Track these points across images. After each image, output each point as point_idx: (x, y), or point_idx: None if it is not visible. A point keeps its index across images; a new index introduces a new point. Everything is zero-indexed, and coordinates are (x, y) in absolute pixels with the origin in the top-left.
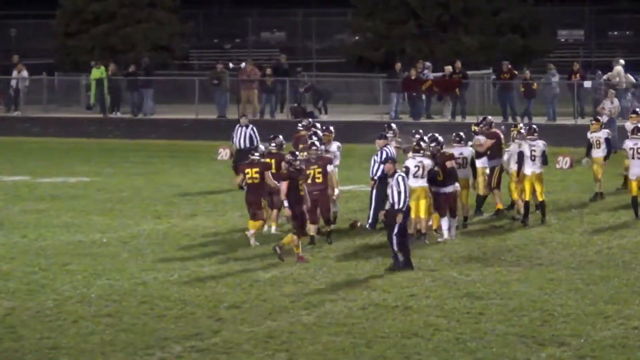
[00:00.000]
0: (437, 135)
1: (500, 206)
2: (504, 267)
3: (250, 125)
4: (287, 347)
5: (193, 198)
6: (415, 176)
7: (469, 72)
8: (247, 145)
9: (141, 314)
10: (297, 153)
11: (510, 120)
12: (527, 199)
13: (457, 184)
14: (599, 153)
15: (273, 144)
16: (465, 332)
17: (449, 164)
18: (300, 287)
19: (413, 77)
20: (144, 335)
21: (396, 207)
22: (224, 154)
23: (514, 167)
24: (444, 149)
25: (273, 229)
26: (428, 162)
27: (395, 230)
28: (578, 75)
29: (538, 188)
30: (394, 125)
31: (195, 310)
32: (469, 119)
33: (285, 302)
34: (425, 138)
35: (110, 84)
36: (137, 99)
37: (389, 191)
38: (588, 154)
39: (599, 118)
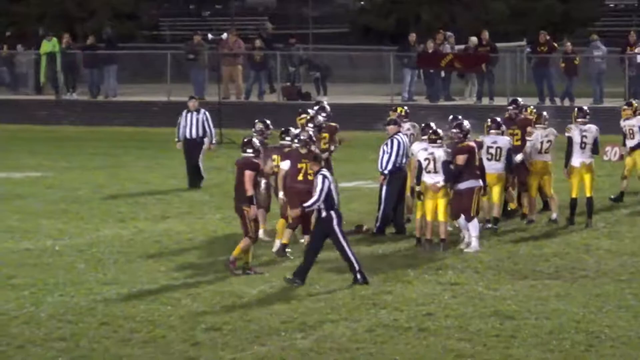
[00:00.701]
0: (462, 120)
1: (513, 205)
2: (540, 281)
3: (203, 110)
4: None
5: (164, 197)
6: (427, 171)
7: (498, 45)
8: (200, 134)
9: (101, 338)
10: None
11: (547, 103)
12: (574, 195)
13: (472, 182)
14: (632, 144)
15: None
16: (493, 359)
17: (460, 158)
18: (294, 305)
19: (430, 51)
20: None
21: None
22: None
23: (537, 157)
24: (467, 138)
25: (261, 233)
26: (440, 154)
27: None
28: (635, 47)
29: (587, 181)
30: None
31: (167, 332)
32: (498, 101)
33: (275, 322)
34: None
35: (64, 59)
36: (97, 77)
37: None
38: (624, 144)
39: (633, 102)
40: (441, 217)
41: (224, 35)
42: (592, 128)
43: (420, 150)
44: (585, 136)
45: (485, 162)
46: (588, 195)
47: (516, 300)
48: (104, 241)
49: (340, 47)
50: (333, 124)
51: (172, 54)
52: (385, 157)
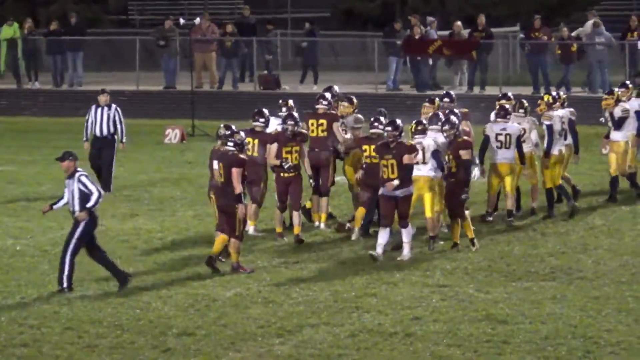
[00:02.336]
0: (395, 120)
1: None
2: (535, 282)
3: (114, 106)
4: None
5: (133, 193)
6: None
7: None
8: (111, 132)
9: (66, 344)
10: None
11: (543, 92)
12: (551, 185)
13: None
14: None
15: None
16: None
17: (406, 158)
18: (272, 308)
19: (417, 37)
20: None
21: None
22: (174, 135)
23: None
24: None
25: (252, 230)
26: (429, 143)
27: (77, 234)
28: (635, 33)
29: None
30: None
31: (136, 338)
32: (490, 91)
33: (252, 327)
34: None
35: (25, 45)
36: (61, 65)
37: None
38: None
39: (615, 90)
40: (428, 212)
41: (197, 20)
42: (567, 112)
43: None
44: (564, 122)
45: (496, 151)
46: (553, 185)
47: (509, 303)
48: None
49: (322, 33)
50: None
51: (142, 40)
52: None
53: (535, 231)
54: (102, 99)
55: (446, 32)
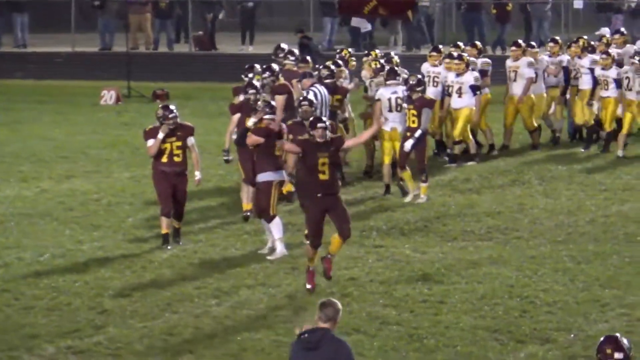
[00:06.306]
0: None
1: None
2: (471, 242)
3: None
4: (191, 347)
5: (70, 155)
6: (389, 110)
7: None
8: None
9: (2, 305)
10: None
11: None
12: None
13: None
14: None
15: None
16: (422, 326)
17: (280, 98)
18: (208, 269)
19: None
20: (5, 333)
21: None
22: (109, 97)
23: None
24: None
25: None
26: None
27: None
28: None
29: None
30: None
31: (73, 300)
32: (425, 50)
33: (188, 288)
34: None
35: None
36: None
37: None
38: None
39: (534, 44)
40: (386, 159)
41: None
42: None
43: (383, 88)
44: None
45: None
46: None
47: (445, 263)
48: (4, 202)
49: None
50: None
51: (77, 0)
52: None
53: (472, 190)
54: None
55: None
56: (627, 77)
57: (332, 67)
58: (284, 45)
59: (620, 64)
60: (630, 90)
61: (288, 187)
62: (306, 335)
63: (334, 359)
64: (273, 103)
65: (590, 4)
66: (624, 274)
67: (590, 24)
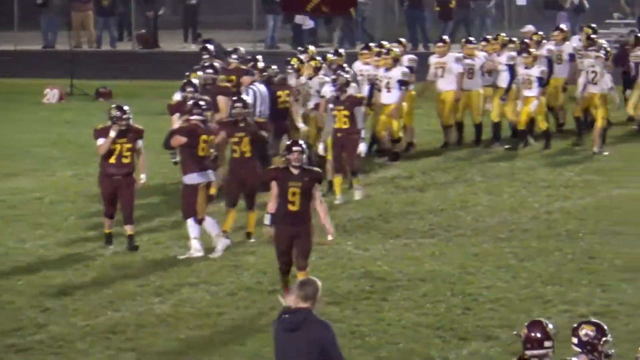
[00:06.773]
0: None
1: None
2: (414, 240)
3: None
4: (134, 344)
5: (12, 153)
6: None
7: None
8: None
9: None
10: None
11: (421, 49)
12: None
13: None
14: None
15: None
16: (364, 323)
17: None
18: (151, 267)
19: None
20: None
21: None
22: (52, 95)
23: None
24: None
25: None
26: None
27: None
28: None
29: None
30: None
31: (14, 298)
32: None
33: (131, 286)
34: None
35: None
36: None
37: None
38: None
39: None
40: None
41: None
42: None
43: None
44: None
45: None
46: None
47: (387, 260)
48: None
49: None
50: None
51: None
52: None
53: (414, 188)
54: None
55: None
56: (594, 72)
57: (294, 64)
58: (209, 46)
59: (551, 62)
60: (595, 84)
61: (215, 190)
62: (287, 316)
63: (317, 339)
64: (202, 103)
65: (535, 1)
66: (566, 270)
67: (535, 21)
